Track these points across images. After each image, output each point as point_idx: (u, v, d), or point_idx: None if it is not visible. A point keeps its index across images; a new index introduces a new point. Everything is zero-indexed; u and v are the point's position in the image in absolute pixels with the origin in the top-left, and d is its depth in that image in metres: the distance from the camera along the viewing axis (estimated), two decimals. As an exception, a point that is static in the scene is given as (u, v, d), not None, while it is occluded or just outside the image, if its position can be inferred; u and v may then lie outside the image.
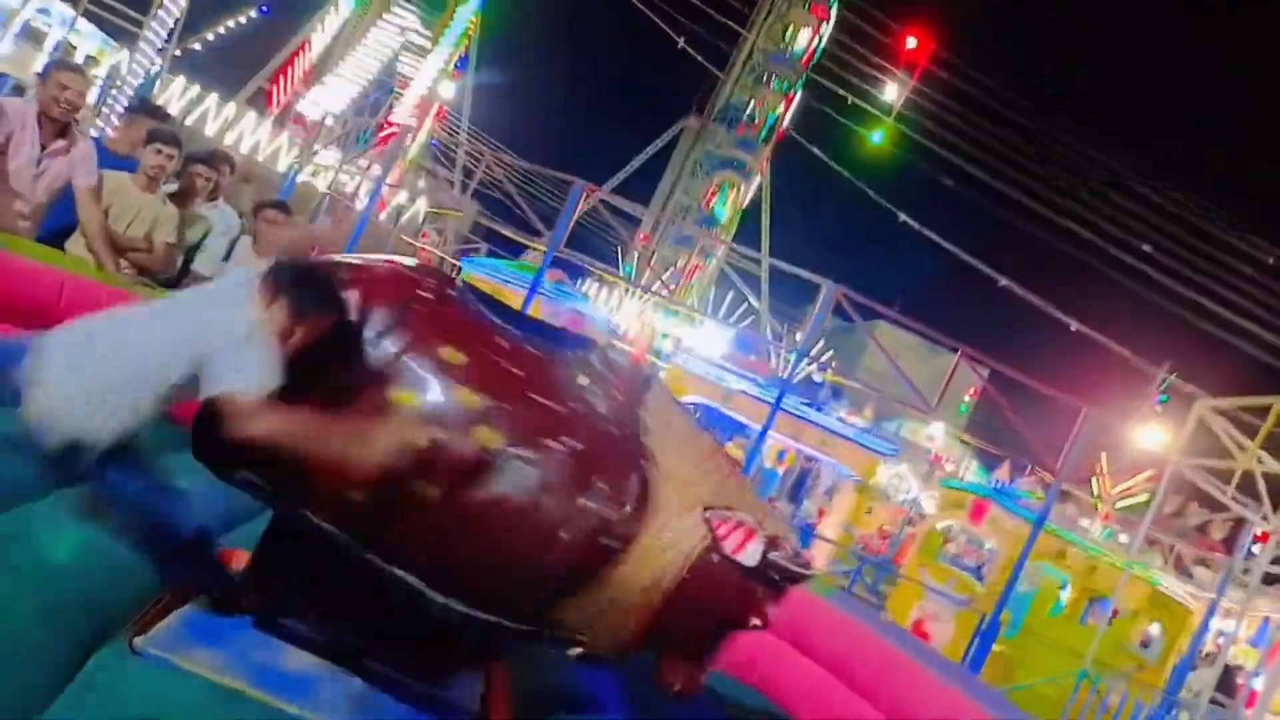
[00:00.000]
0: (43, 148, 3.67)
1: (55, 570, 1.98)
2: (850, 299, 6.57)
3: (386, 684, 2.43)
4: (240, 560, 2.70)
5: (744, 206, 31.50)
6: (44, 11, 16.77)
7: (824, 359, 17.28)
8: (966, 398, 35.37)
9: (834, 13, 31.36)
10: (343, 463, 2.12)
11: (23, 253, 3.29)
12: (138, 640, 2.14)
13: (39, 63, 15.54)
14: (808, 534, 13.48)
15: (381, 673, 2.45)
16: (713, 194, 30.99)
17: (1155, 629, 9.23)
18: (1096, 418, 6.24)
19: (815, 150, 27.57)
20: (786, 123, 30.89)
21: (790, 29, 31.37)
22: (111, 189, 3.89)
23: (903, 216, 19.65)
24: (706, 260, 30.49)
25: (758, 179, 30.81)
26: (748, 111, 31.27)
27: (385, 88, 23.92)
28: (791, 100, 31.26)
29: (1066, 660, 7.76)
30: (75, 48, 17.00)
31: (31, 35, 16.73)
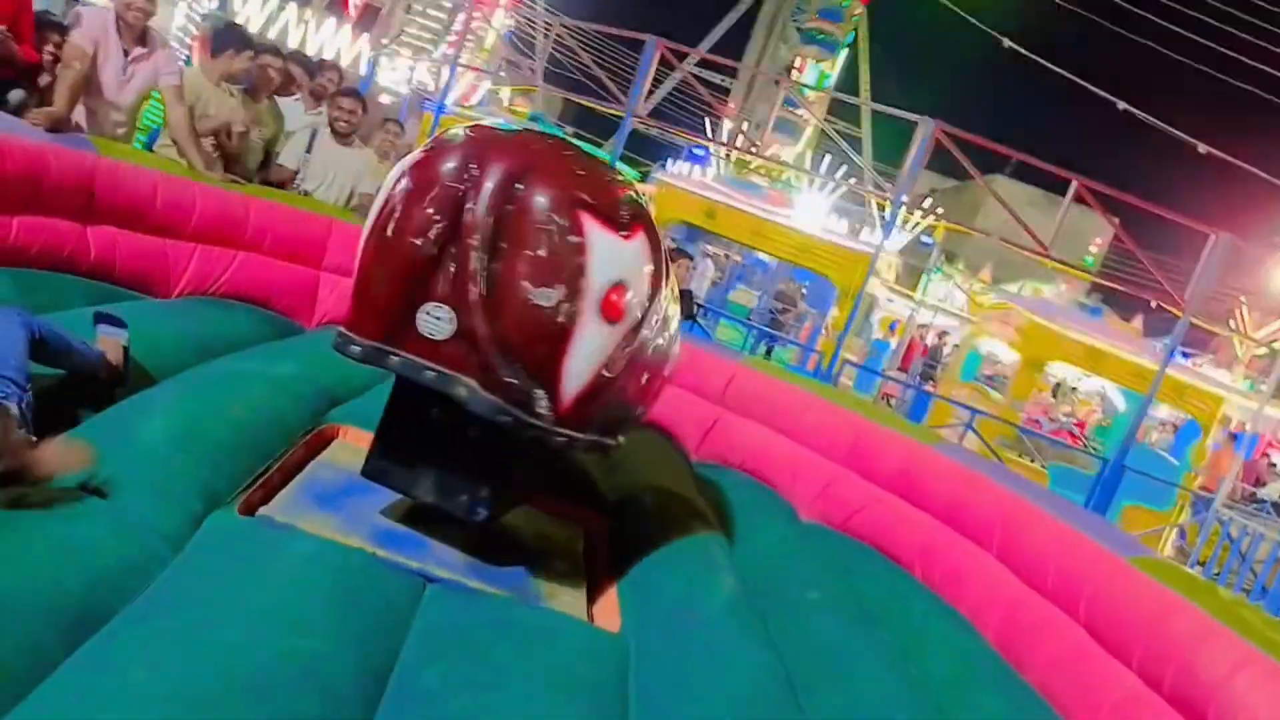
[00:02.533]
0: (125, 53, 3.74)
1: (158, 452, 2.08)
2: (951, 135, 6.11)
3: (496, 540, 2.51)
4: (345, 434, 2.82)
5: (835, 74, 29.23)
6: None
7: (934, 211, 16.37)
8: (1094, 249, 33.30)
9: None
10: None
11: (118, 155, 3.39)
12: (262, 510, 2.27)
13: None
14: (924, 399, 13.11)
15: (491, 532, 2.53)
16: (801, 68, 28.84)
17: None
18: (1228, 244, 5.70)
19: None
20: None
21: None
22: (191, 87, 3.94)
23: (1006, 42, 17.94)
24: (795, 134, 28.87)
25: (843, 51, 28.37)
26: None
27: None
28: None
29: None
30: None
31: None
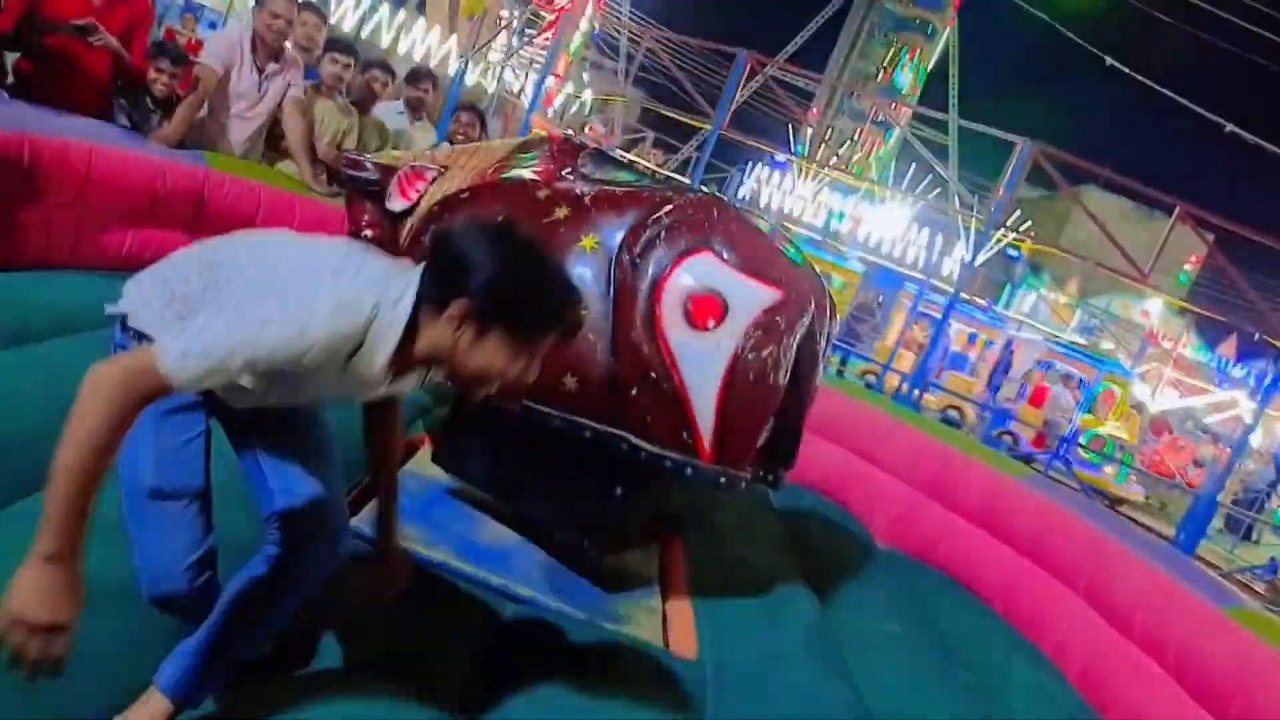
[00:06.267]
0: (259, 71, 3.88)
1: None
2: (1050, 157, 5.90)
3: (572, 557, 2.55)
4: (430, 443, 2.89)
5: (929, 69, 28.72)
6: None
7: (1020, 228, 15.87)
8: (1187, 267, 31.95)
9: None
10: None
11: (227, 169, 3.54)
12: (353, 522, 2.34)
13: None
14: (1005, 419, 12.76)
15: (567, 546, 2.57)
16: (893, 60, 28.38)
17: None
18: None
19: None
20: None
21: None
22: (308, 102, 4.06)
23: (1109, 61, 17.21)
24: (886, 135, 28.41)
25: (944, 37, 27.91)
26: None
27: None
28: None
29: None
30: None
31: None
